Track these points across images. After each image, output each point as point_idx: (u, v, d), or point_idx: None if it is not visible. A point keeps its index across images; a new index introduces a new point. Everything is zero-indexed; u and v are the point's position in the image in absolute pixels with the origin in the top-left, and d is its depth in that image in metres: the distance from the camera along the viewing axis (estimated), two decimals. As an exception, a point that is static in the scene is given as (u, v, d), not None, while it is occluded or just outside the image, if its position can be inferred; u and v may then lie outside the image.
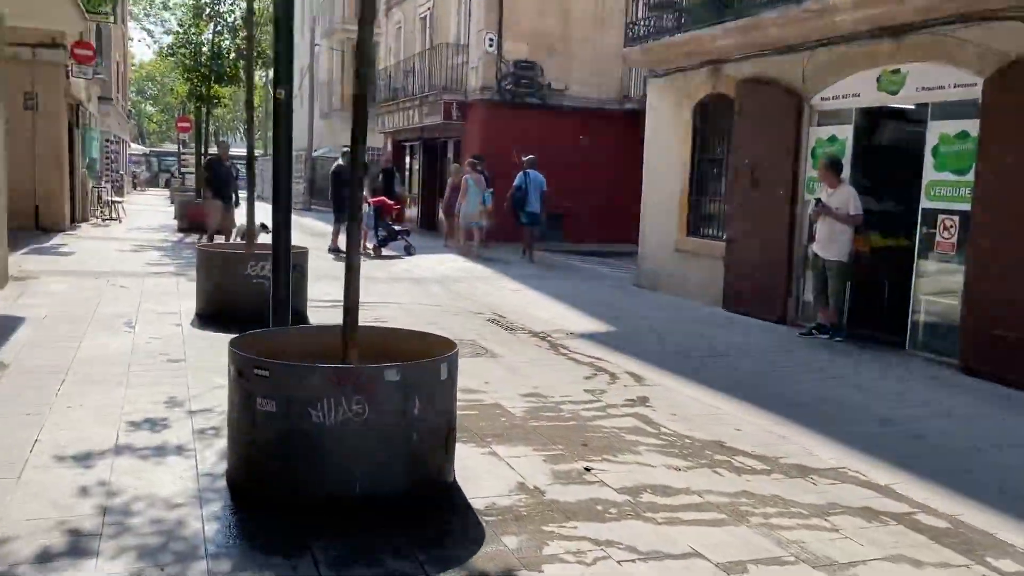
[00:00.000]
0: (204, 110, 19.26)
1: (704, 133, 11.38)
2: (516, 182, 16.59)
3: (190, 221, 18.85)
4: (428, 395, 4.06)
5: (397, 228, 16.88)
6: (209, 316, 8.48)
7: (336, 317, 9.68)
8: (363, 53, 4.25)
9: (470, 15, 20.15)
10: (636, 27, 11.60)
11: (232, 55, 18.35)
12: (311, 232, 20.25)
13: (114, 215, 21.25)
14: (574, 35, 20.02)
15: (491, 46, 19.38)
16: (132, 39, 59.66)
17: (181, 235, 18.13)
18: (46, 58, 16.42)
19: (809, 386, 7.05)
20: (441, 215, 19.76)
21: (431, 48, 22.54)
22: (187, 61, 18.83)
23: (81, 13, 10.46)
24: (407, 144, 26.44)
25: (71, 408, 5.35)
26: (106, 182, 20.65)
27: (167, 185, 48.20)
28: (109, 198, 21.45)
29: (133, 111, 62.42)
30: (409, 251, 16.48)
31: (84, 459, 4.45)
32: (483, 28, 19.35)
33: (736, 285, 10.29)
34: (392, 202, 16.89)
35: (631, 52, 11.41)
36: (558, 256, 18.07)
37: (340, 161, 16.62)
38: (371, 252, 16.13)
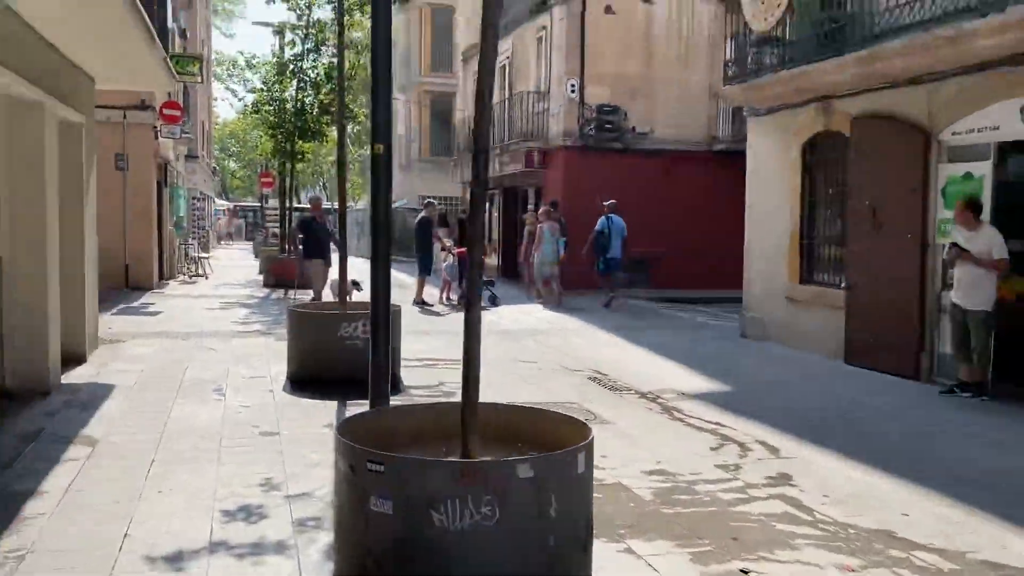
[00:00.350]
0: (288, 165, 19.34)
1: (814, 173, 10.65)
2: (598, 227, 16.17)
3: (275, 277, 18.83)
4: (566, 491, 3.47)
5: (485, 278, 16.42)
6: (301, 380, 8.09)
7: (431, 376, 9.30)
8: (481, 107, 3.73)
9: (551, 62, 19.88)
10: (733, 64, 10.99)
11: (315, 110, 18.39)
12: (395, 284, 20.03)
13: (200, 271, 21.45)
14: (657, 76, 19.52)
15: (573, 92, 19.01)
16: (216, 98, 61.90)
17: (267, 291, 18.08)
18: (136, 119, 16.71)
19: (972, 456, 6.19)
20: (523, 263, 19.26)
21: (510, 96, 22.35)
22: (271, 118, 18.99)
23: (171, 74, 10.41)
24: (488, 193, 26.19)
25: (161, 494, 4.92)
26: (192, 239, 20.92)
27: (249, 236, 49.38)
28: (196, 254, 21.70)
29: (217, 167, 64.46)
30: (494, 302, 16.02)
31: (176, 560, 3.98)
32: (564, 74, 19.03)
33: (860, 337, 9.44)
34: None
35: (732, 90, 10.80)
36: (645, 304, 17.36)
37: (424, 212, 16.36)
38: (456, 303, 15.75)
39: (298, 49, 18.48)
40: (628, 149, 19.33)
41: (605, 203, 16.27)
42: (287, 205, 21.11)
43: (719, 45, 20.18)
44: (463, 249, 16.19)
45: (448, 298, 16.47)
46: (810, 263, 10.82)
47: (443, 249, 16.34)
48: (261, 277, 21.53)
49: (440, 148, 36.00)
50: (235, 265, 27.63)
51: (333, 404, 7.31)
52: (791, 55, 10.05)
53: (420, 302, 15.63)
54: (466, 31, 31.11)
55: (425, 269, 16.09)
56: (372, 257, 5.97)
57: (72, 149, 8.95)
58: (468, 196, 27.27)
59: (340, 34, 8.40)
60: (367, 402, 6.94)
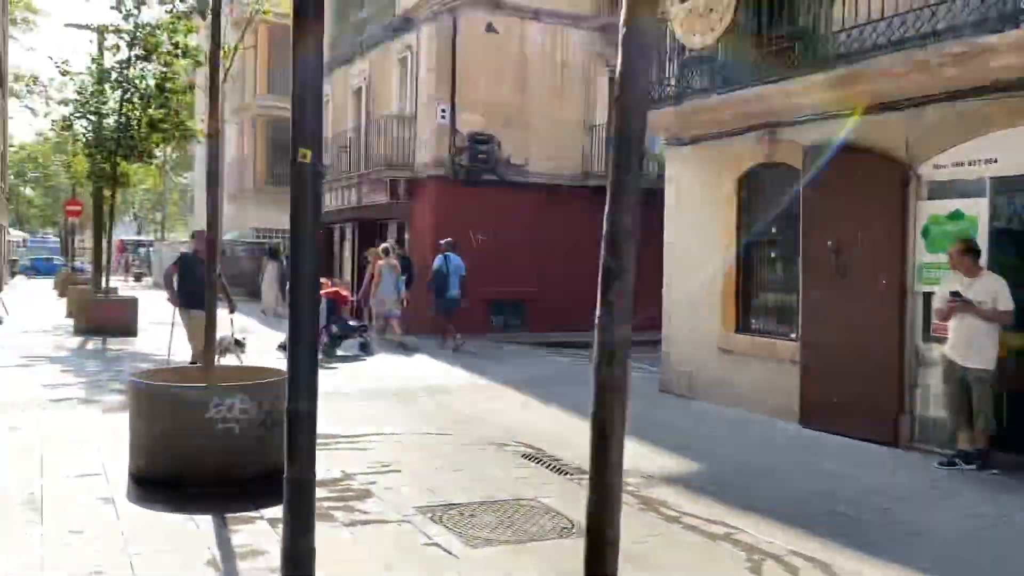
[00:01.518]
0: (109, 191, 16.35)
1: (752, 209, 9.52)
2: (435, 265, 15.22)
3: (90, 321, 15.78)
4: None
5: (353, 323, 14.35)
6: (153, 481, 5.81)
7: (328, 462, 7.04)
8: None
9: (417, 85, 18.16)
10: (661, 85, 9.74)
11: (142, 126, 15.61)
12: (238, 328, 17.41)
13: (-7, 314, 17.87)
14: (532, 108, 18.26)
15: (443, 117, 17.37)
16: (12, 117, 55.32)
17: (80, 339, 15.03)
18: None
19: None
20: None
21: (368, 121, 20.40)
22: (88, 134, 15.99)
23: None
24: (337, 226, 23.96)
25: None
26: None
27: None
28: (-14, 295, 18.07)
29: (11, 193, 57.54)
30: (366, 349, 13.98)
31: None
32: (434, 98, 17.36)
33: (820, 396, 8.28)
34: (346, 293, 14.40)
35: (662, 114, 9.49)
36: (528, 348, 15.87)
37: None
38: (321, 351, 13.59)
39: (124, 55, 15.70)
40: (503, 181, 17.89)
41: (442, 241, 15.47)
42: (102, 235, 18.02)
43: (592, 80, 19.34)
44: (334, 290, 14.09)
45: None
46: (748, 310, 9.66)
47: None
48: (70, 321, 18.23)
49: (277, 176, 33.22)
50: (36, 305, 23.68)
51: (208, 522, 5.16)
52: (732, 76, 8.91)
53: (284, 346, 13.35)
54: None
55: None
56: (293, 303, 3.95)
57: None
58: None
59: (216, 16, 6.29)
60: (258, 514, 4.96)
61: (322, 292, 13.93)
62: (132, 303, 16.39)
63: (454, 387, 10.97)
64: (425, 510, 5.55)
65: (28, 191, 66.56)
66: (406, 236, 19.56)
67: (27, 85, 50.10)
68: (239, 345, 10.64)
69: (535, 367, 13.25)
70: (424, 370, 12.62)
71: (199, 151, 42.92)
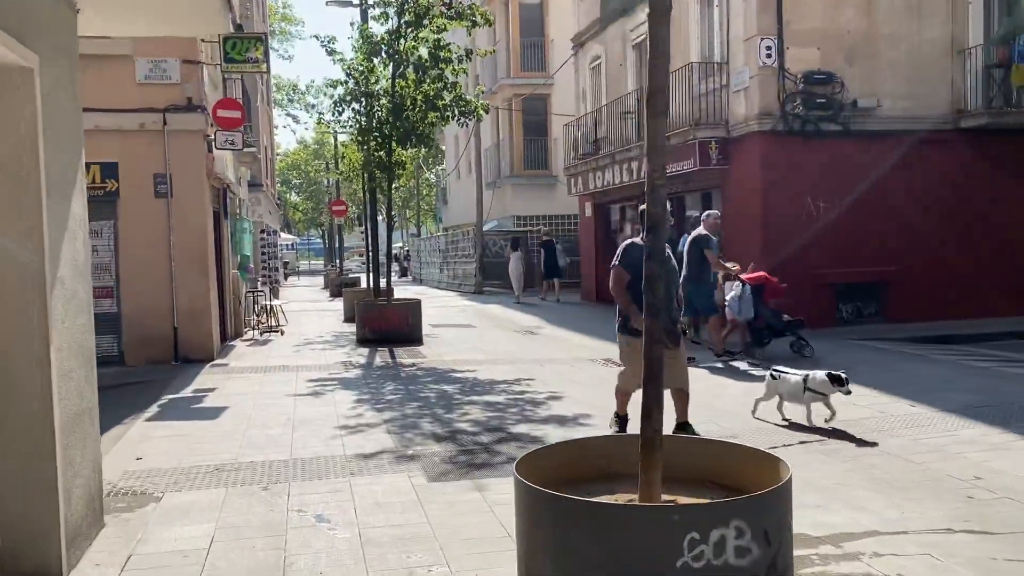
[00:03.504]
0: (385, 182, 14.40)
1: None
2: (680, 246, 12.45)
3: (372, 330, 13.93)
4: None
5: (787, 318, 11.30)
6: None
7: None
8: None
9: (728, 20, 14.68)
10: None
11: (420, 104, 13.45)
12: (522, 328, 14.99)
13: (275, 324, 16.74)
14: (881, 32, 14.17)
15: (769, 57, 13.77)
16: (277, 126, 58.23)
17: (365, 351, 13.14)
18: (180, 125, 11.99)
19: None
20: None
21: (658, 78, 17.18)
22: (360, 119, 14.14)
23: (226, 6, 5.53)
24: (616, 206, 21.05)
25: None
26: (263, 284, 16.26)
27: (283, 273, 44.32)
28: (267, 303, 17.00)
29: (281, 199, 60.75)
30: (802, 350, 11.05)
31: None
32: (756, 34, 13.80)
33: None
34: (776, 279, 11.44)
35: None
36: (898, 347, 11.96)
37: (700, 228, 11.33)
38: (743, 353, 11.19)
39: (392, 24, 13.62)
40: (848, 131, 13.98)
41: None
42: (377, 236, 16.31)
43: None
44: (759, 274, 11.26)
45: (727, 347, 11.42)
46: None
47: (725, 275, 11.28)
48: (347, 327, 16.70)
49: (533, 160, 31.04)
50: (308, 308, 22.90)
51: None
52: None
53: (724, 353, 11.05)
54: (561, 20, 26.25)
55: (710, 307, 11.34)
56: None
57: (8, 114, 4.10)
58: (588, 212, 22.20)
59: None
60: None
61: (745, 276, 11.14)
62: (415, 307, 14.39)
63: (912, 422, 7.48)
64: None
65: (293, 196, 70.56)
66: (714, 210, 16.18)
67: (287, 94, 52.25)
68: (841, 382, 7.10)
69: (969, 379, 9.39)
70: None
71: (449, 140, 42.03)
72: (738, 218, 14.64)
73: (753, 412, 7.61)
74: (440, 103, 13.42)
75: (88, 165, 11.79)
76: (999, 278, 14.32)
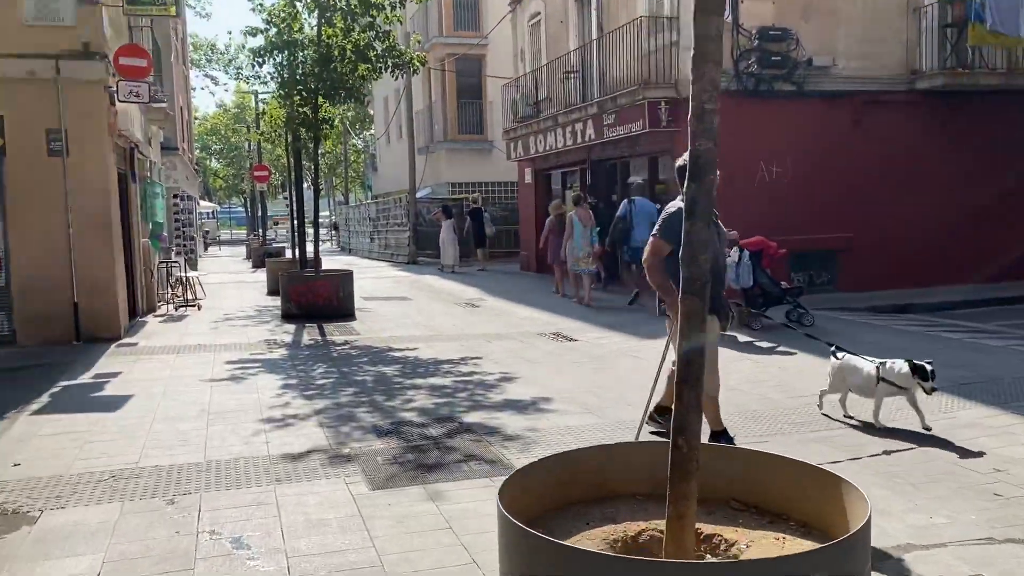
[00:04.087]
0: (311, 142, 13.14)
1: None
2: (619, 212, 13.45)
3: (297, 304, 12.79)
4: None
5: (784, 285, 10.66)
6: None
7: None
8: None
9: (680, -28, 13.83)
10: None
11: (348, 54, 12.24)
12: (462, 300, 14.03)
13: (191, 297, 15.40)
14: (837, -14, 13.55)
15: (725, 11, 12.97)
16: (194, 88, 55.44)
17: (292, 327, 12.02)
18: (76, 74, 10.56)
19: None
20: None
21: (602, 35, 16.29)
22: (283, 73, 12.83)
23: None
24: (556, 172, 20.17)
25: None
26: (178, 254, 14.82)
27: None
28: (182, 274, 15.60)
29: (199, 165, 58.05)
30: (802, 319, 10.48)
31: None
32: (709, -15, 12.98)
33: None
34: (775, 244, 10.81)
35: None
36: (856, 316, 11.48)
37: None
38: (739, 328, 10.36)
39: (317, -35, 12.33)
40: (802, 91, 13.35)
41: (631, 182, 14.48)
42: (303, 202, 15.05)
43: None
44: (759, 239, 10.68)
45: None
46: None
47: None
48: (271, 300, 15.48)
49: (469, 125, 29.89)
50: (228, 280, 21.45)
51: None
52: None
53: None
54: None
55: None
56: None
57: None
58: (528, 178, 21.27)
59: None
60: None
61: (744, 242, 10.45)
62: (346, 279, 13.27)
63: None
64: None
65: (213, 163, 67.64)
66: (659, 175, 15.48)
67: (205, 54, 49.56)
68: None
69: (949, 352, 8.86)
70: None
71: (379, 103, 40.45)
72: (689, 183, 13.93)
73: (819, 407, 6.48)
74: (371, 54, 12.26)
75: (-34, 118, 10.38)
76: (955, 246, 13.98)
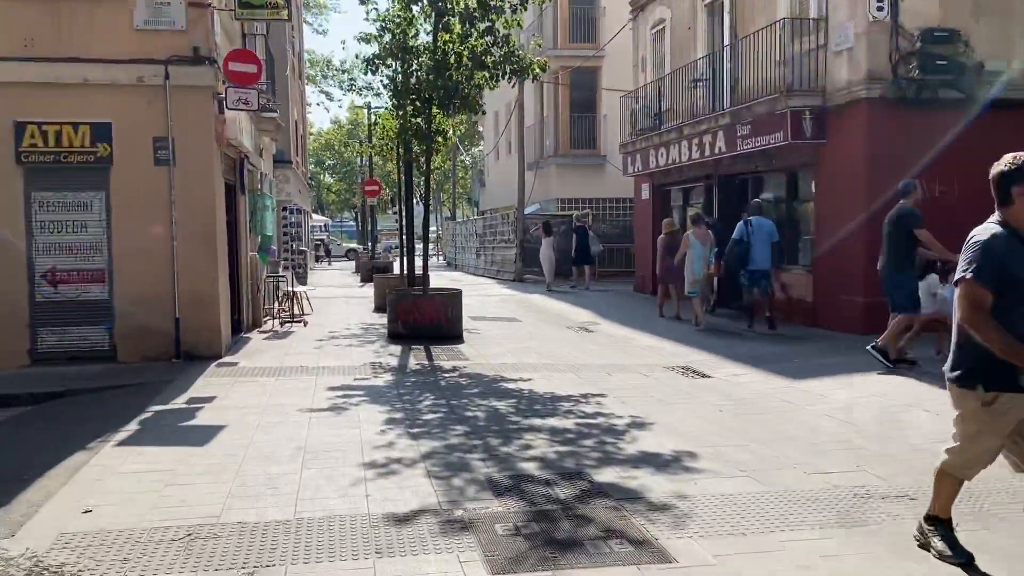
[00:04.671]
0: (423, 155, 12.41)
1: None
2: (735, 233, 12.67)
3: (405, 324, 12.05)
4: None
5: None
6: None
7: None
8: None
9: (828, -31, 12.51)
10: None
11: (465, 61, 11.50)
12: (574, 324, 12.96)
13: (297, 312, 14.96)
14: (1014, -19, 11.94)
15: (880, 10, 11.60)
16: (310, 103, 56.59)
17: (398, 349, 11.27)
18: (184, 79, 10.14)
19: None
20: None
21: (735, 40, 15.06)
22: (397, 81, 12.17)
23: None
24: (677, 188, 18.94)
25: None
26: (285, 268, 14.37)
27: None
28: (290, 288, 15.19)
29: (312, 181, 59.22)
30: None
31: None
32: (863, -18, 11.63)
33: None
34: None
35: None
36: None
37: (904, 202, 9.26)
38: (912, 363, 9.20)
39: (435, -32, 11.63)
40: (972, 100, 11.76)
41: (752, 202, 13.44)
42: (412, 217, 14.39)
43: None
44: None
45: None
46: None
47: (927, 264, 9.45)
48: (378, 317, 14.85)
49: (581, 139, 28.92)
50: (336, 295, 21.09)
51: None
52: None
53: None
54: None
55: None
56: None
57: None
58: (645, 194, 20.13)
59: None
60: None
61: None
62: (454, 299, 12.46)
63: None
64: None
65: (327, 178, 69.02)
66: (799, 192, 14.08)
67: (321, 71, 50.53)
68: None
69: None
70: None
71: (489, 118, 40.01)
72: (835, 204, 12.53)
73: None
74: (489, 60, 11.44)
75: (76, 125, 10.08)
76: None
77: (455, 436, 6.55)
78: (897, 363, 9.06)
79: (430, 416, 7.27)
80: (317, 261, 45.67)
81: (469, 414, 7.35)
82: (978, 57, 11.67)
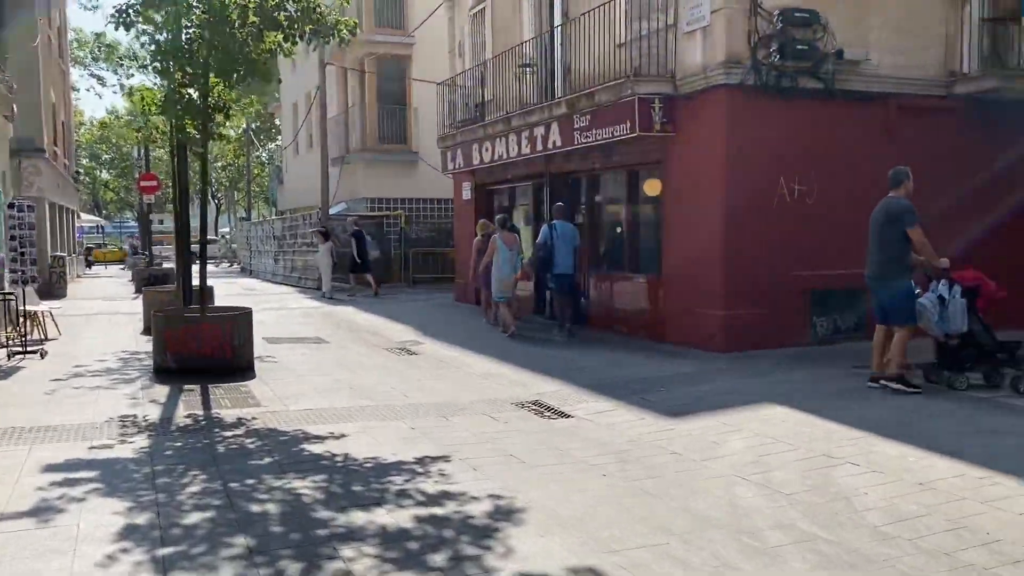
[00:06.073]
0: (200, 135, 9.66)
1: None
2: (539, 238, 12.59)
3: (174, 355, 9.29)
4: None
5: (1003, 340, 8.05)
6: None
7: None
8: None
9: (678, -62, 11.05)
10: None
11: (252, 18, 8.96)
12: (393, 344, 10.71)
13: (36, 337, 11.64)
14: (869, -34, 11.03)
15: (739, -15, 10.27)
16: (78, 88, 50.20)
17: (165, 389, 8.53)
18: None
19: None
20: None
21: (568, 21, 13.41)
22: (161, 40, 9.34)
23: None
24: (504, 187, 17.15)
25: None
26: (14, 283, 11.00)
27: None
28: (22, 307, 11.82)
29: (87, 177, 52.69)
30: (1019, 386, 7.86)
31: None
32: (721, -47, 10.25)
33: None
34: (992, 284, 7.88)
35: None
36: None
37: (895, 194, 7.43)
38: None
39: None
40: (830, 90, 10.73)
41: (554, 206, 13.01)
42: (178, 211, 11.55)
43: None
44: (975, 274, 8.02)
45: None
46: None
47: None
48: (145, 341, 11.84)
49: (391, 134, 26.62)
50: (101, 309, 17.54)
51: None
52: None
53: None
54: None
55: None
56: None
57: None
58: (467, 193, 18.20)
59: None
60: None
61: (957, 274, 7.72)
62: (242, 321, 9.80)
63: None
64: None
65: (104, 174, 62.07)
66: (642, 193, 12.64)
67: (91, 52, 44.66)
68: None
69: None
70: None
71: (287, 109, 36.73)
72: (688, 205, 11.12)
73: None
74: (281, 16, 8.97)
75: None
76: (1009, 280, 11.55)
77: (230, 562, 4.17)
78: (882, 380, 7.99)
79: (195, 518, 4.82)
80: (88, 267, 40.25)
81: (256, 509, 4.97)
82: (837, 43, 10.64)
